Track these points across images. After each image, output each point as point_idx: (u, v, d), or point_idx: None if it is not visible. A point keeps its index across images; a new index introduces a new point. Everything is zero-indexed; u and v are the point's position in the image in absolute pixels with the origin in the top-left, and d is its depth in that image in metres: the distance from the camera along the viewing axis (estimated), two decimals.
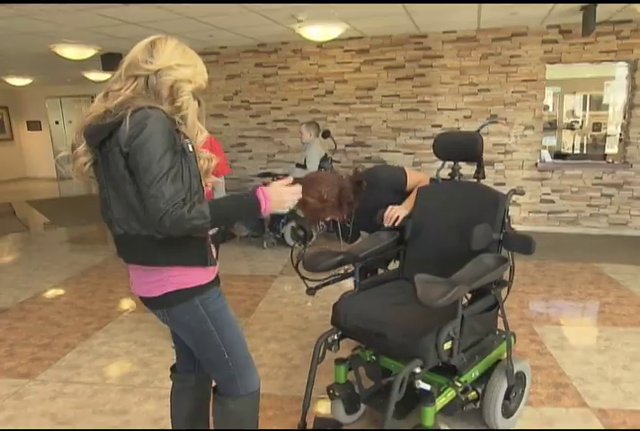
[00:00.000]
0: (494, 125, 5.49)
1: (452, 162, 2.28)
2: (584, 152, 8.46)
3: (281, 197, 1.39)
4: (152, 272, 1.42)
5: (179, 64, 1.37)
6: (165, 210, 1.23)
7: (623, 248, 4.96)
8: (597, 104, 9.03)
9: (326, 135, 5.44)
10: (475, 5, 4.23)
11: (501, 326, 2.05)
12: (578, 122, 9.00)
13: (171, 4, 3.96)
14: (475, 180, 2.22)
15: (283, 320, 3.35)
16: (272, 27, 5.00)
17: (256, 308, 3.55)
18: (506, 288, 2.00)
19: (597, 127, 8.83)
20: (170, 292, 1.41)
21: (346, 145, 6.04)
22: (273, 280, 4.18)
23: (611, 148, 7.55)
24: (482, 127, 4.74)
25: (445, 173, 2.31)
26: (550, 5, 4.30)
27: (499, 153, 5.57)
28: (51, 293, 4.02)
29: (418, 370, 1.66)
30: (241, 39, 5.66)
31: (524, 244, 1.92)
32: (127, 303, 3.70)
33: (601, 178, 5.39)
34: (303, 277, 2.00)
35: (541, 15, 4.67)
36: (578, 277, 4.11)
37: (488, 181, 5.61)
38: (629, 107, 5.27)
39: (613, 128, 7.67)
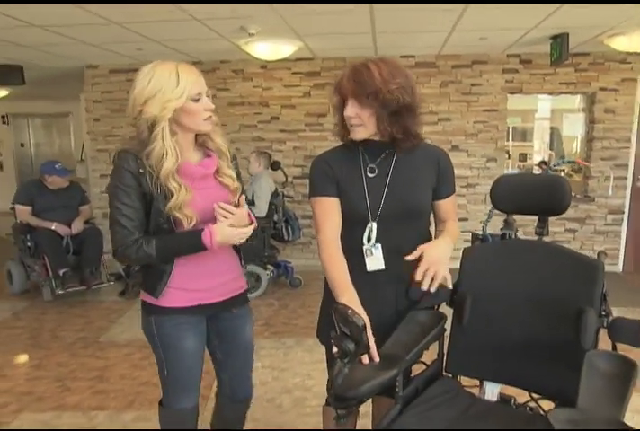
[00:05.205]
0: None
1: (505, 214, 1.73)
2: None
3: (228, 238, 1.44)
4: None
5: (146, 99, 1.35)
6: (115, 249, 1.44)
7: None
8: (521, 135, 9.40)
9: (276, 166, 4.79)
10: (449, 28, 3.85)
11: None
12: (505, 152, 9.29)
13: (95, 5, 3.15)
14: (537, 238, 1.68)
15: (250, 409, 2.55)
16: (214, 41, 4.31)
17: (210, 391, 2.72)
18: None
19: (522, 157, 9.17)
20: (141, 299, 1.58)
21: (294, 177, 5.39)
22: None
23: None
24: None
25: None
26: (522, 32, 4.03)
27: (460, 186, 5.21)
28: None
29: None
30: (173, 54, 4.89)
31: (637, 334, 1.37)
32: (22, 399, 2.68)
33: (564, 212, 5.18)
34: (332, 401, 1.30)
35: (509, 42, 4.41)
36: None
37: None
38: (588, 140, 5.16)
39: (539, 158, 7.98)
